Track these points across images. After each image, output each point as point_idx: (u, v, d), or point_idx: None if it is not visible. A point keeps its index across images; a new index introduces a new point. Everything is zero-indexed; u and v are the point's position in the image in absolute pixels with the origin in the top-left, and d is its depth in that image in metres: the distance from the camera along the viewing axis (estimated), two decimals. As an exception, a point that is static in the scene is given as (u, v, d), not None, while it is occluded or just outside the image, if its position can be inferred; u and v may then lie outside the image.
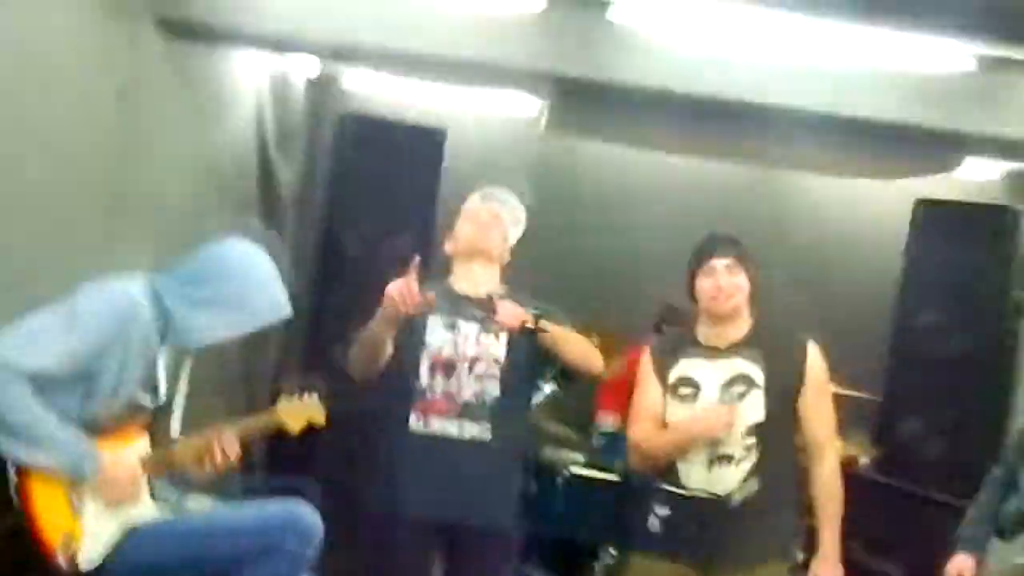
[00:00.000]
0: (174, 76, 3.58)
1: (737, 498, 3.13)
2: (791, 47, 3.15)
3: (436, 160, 4.97)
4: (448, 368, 3.23)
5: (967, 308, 4.78)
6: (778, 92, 3.17)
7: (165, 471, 2.88)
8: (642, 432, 3.26)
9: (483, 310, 3.05)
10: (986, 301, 4.74)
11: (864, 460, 4.91)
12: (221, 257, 2.88)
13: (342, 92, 5.26)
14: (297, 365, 5.03)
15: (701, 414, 3.15)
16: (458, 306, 3.28)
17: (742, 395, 3.15)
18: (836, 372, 4.31)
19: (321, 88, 5.30)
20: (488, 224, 3.34)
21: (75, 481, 2.64)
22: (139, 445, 2.83)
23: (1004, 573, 3.17)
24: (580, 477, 2.99)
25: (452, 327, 3.26)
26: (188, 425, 3.01)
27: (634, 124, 4.50)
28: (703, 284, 3.16)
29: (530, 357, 3.30)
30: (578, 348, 3.24)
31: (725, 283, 3.13)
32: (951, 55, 2.97)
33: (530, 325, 3.07)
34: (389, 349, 3.18)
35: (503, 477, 3.29)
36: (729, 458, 3.13)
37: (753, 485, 3.14)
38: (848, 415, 4.74)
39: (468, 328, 3.26)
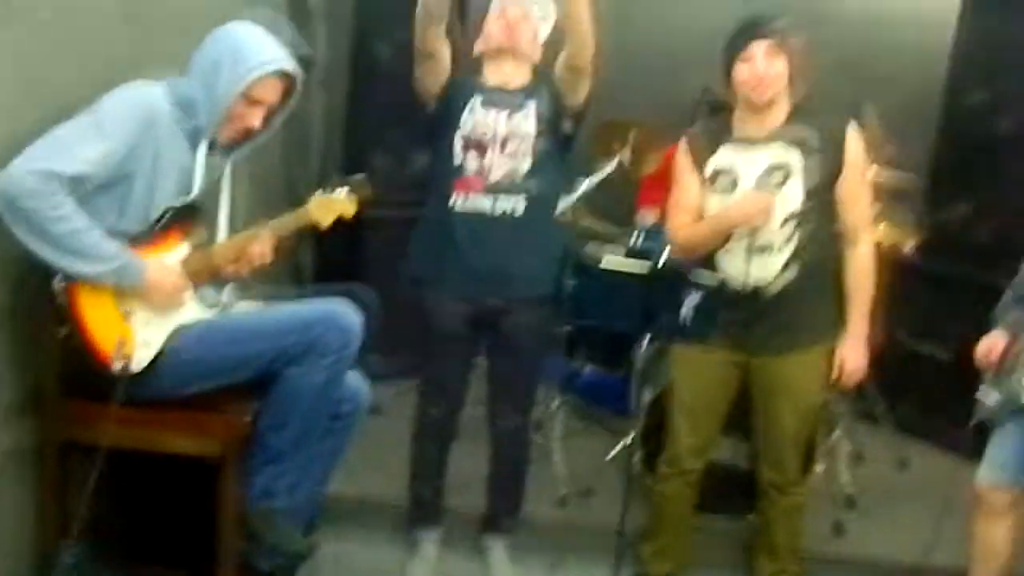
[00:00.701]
0: None
1: (777, 286, 3.17)
2: None
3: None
4: (479, 146, 3.34)
5: (1017, 87, 4.60)
6: None
7: (207, 274, 2.99)
8: (680, 224, 3.30)
9: None
10: (1036, 78, 4.55)
11: (910, 245, 4.87)
12: (214, 38, 2.94)
13: None
14: (338, 176, 5.05)
15: (739, 201, 3.15)
16: (491, 95, 3.37)
17: (780, 183, 3.14)
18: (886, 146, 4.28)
19: None
20: (516, 22, 3.35)
21: (122, 289, 2.75)
22: (181, 250, 2.93)
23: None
24: (612, 271, 3.00)
25: (484, 109, 3.36)
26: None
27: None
28: (740, 71, 3.11)
29: (562, 133, 3.39)
30: (589, 21, 3.22)
31: (763, 70, 3.07)
32: None
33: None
34: (439, 44, 3.30)
35: (539, 249, 3.41)
36: (768, 247, 3.16)
37: (792, 273, 3.18)
38: (894, 199, 4.71)
39: (500, 114, 3.36)
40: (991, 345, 3.26)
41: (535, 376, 3.67)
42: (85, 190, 2.69)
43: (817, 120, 3.19)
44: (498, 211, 3.33)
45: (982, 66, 4.69)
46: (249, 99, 2.91)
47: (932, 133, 4.90)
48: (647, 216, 4.78)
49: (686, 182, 3.30)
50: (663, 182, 4.69)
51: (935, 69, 4.87)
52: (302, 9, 4.83)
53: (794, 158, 3.14)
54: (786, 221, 3.15)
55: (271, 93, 2.96)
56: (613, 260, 3.00)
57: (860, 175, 3.24)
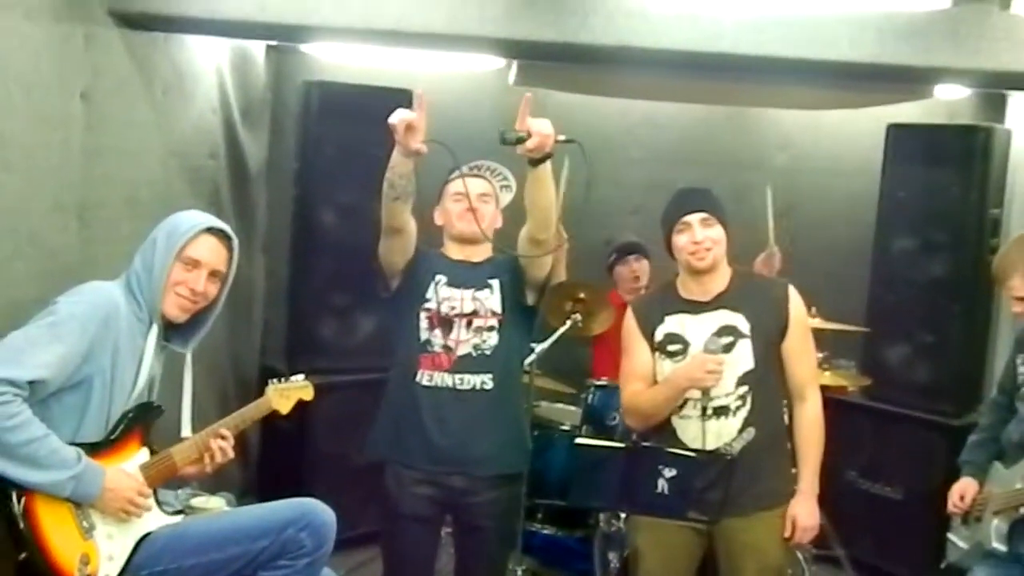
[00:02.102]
0: (134, 68, 3.48)
1: (737, 447, 3.18)
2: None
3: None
4: (446, 323, 3.33)
5: (945, 230, 4.79)
6: (745, 41, 3.14)
7: (167, 477, 2.89)
8: (633, 392, 3.31)
9: (516, 142, 3.02)
10: (963, 222, 4.74)
11: (855, 387, 4.99)
12: (161, 222, 2.94)
13: (304, 59, 5.13)
14: (282, 341, 5.00)
15: (687, 364, 3.19)
16: (455, 272, 3.39)
17: (730, 346, 3.20)
18: (820, 306, 4.44)
19: (283, 57, 5.18)
20: (476, 209, 3.34)
21: (80, 499, 2.63)
22: (139, 456, 2.83)
23: (1005, 496, 3.22)
24: (583, 446, 2.99)
25: (450, 285, 3.37)
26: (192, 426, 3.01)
27: (602, 76, 4.48)
28: (679, 240, 3.22)
29: (525, 307, 3.41)
30: (553, 201, 3.24)
31: (701, 236, 3.17)
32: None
33: (561, 137, 3.08)
34: (405, 219, 3.29)
35: (508, 425, 3.39)
36: (725, 410, 3.19)
37: (750, 434, 3.20)
38: (835, 347, 4.83)
39: (465, 291, 3.36)
40: (961, 490, 3.36)
41: (503, 553, 3.60)
42: (42, 396, 2.59)
43: (759, 284, 3.34)
44: (465, 387, 3.30)
45: (909, 212, 4.88)
46: (186, 261, 2.87)
47: (867, 277, 5.04)
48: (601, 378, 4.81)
49: (636, 350, 3.33)
50: (616, 339, 4.79)
51: (865, 215, 5.03)
52: (243, 175, 4.83)
53: (740, 322, 3.22)
54: (740, 383, 3.20)
55: (208, 253, 2.91)
56: (582, 438, 2.97)
57: (803, 333, 3.31)
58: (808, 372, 3.31)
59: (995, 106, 5.13)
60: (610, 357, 4.74)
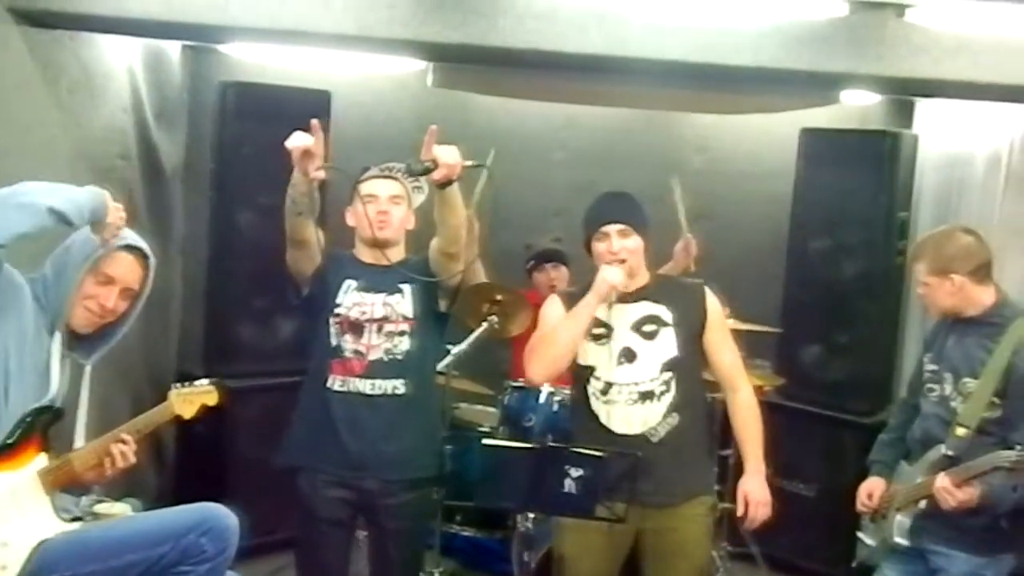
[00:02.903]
0: (38, 66, 3.41)
1: (661, 432, 3.23)
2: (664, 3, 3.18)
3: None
4: (356, 328, 3.32)
5: (855, 232, 4.90)
6: (651, 46, 3.18)
7: (66, 483, 2.84)
8: (540, 333, 3.32)
9: (423, 173, 3.05)
10: (872, 224, 4.85)
11: (770, 387, 5.07)
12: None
13: (222, 59, 5.07)
14: (200, 345, 4.93)
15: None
16: (366, 275, 3.38)
17: (653, 333, 3.28)
18: (735, 308, 4.51)
19: (199, 57, 5.11)
20: (386, 212, 3.35)
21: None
22: (37, 462, 2.78)
23: (906, 491, 3.30)
24: (493, 447, 3.00)
25: (360, 290, 3.36)
26: (94, 425, 2.96)
27: (521, 79, 4.50)
28: (598, 247, 3.28)
29: (437, 312, 3.42)
30: (462, 219, 3.26)
31: (618, 247, 3.23)
32: (823, 3, 3.02)
33: (468, 163, 3.11)
34: (309, 233, 3.31)
35: (421, 429, 3.39)
36: (650, 394, 3.25)
37: (674, 419, 3.26)
38: (751, 347, 4.90)
39: (376, 296, 3.36)
40: (869, 489, 3.45)
41: (418, 555, 3.60)
42: None
43: (677, 283, 3.48)
44: (377, 392, 3.30)
45: (822, 214, 4.98)
46: (99, 276, 2.84)
47: (781, 278, 5.12)
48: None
49: (553, 314, 3.35)
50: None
51: (779, 218, 5.12)
52: (157, 176, 4.76)
53: (663, 311, 3.29)
54: (664, 369, 3.25)
55: (123, 270, 2.88)
56: (489, 439, 2.98)
57: (722, 327, 3.41)
58: (735, 362, 3.40)
59: (904, 112, 5.25)
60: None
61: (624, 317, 3.29)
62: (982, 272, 3.24)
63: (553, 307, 3.39)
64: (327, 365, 3.32)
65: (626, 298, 3.28)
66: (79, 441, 2.91)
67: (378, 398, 3.30)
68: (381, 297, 3.35)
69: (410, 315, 3.35)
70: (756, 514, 3.29)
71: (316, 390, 3.34)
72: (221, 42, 4.29)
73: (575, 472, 2.98)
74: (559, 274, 4.92)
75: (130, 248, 2.89)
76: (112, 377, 4.17)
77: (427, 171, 3.02)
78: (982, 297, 3.23)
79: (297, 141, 3.09)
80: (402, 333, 3.33)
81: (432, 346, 3.46)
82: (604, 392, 3.26)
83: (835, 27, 3.17)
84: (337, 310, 3.33)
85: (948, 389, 3.27)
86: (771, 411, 4.99)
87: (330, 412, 3.30)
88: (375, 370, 3.30)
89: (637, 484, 3.12)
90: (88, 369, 2.95)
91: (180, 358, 5.15)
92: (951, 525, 3.16)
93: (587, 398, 3.29)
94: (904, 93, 4.35)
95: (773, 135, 5.36)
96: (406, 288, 3.37)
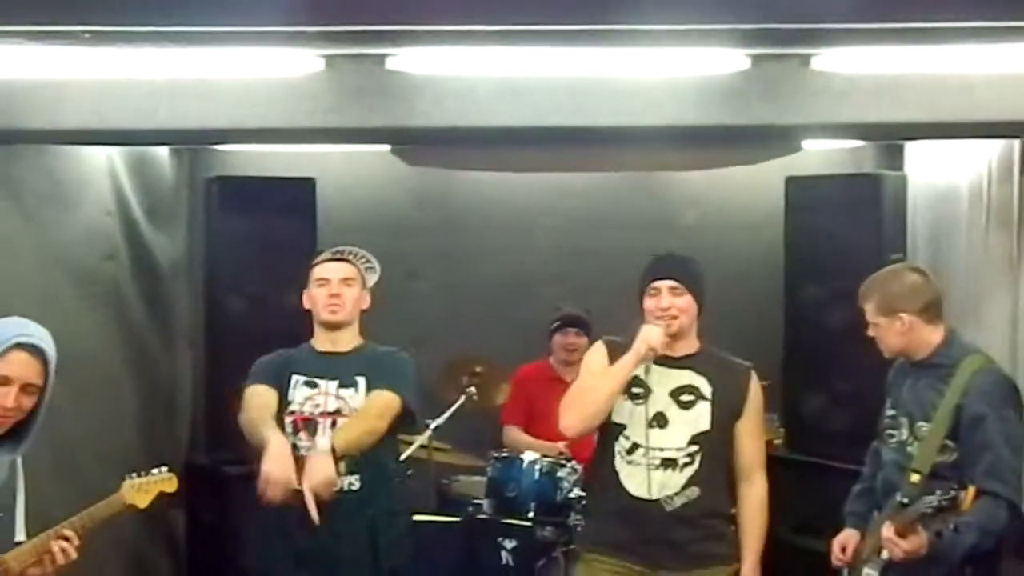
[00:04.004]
0: (4, 181, 3.60)
1: (678, 502, 3.22)
2: (578, 69, 3.21)
3: (310, 209, 5.00)
4: (310, 425, 3.35)
5: (848, 277, 4.77)
6: (567, 112, 3.22)
7: (5, 582, 2.90)
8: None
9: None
10: (866, 267, 4.69)
11: (777, 442, 4.97)
12: None
13: (214, 154, 5.27)
14: (203, 435, 5.06)
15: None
16: (318, 364, 3.43)
17: (690, 404, 3.28)
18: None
19: (194, 154, 5.32)
20: (338, 295, 3.40)
21: None
22: (-27, 566, 2.84)
23: (870, 543, 3.21)
24: (427, 523, 3.00)
25: (312, 385, 3.40)
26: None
27: (490, 153, 4.58)
28: (648, 303, 3.29)
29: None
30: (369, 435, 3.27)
31: (667, 304, 3.23)
32: (725, 58, 3.02)
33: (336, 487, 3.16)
34: None
35: (375, 525, 3.34)
36: (673, 463, 3.24)
37: (694, 492, 3.25)
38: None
39: (327, 385, 3.39)
40: (843, 543, 3.38)
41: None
42: None
43: (724, 360, 3.39)
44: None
45: (813, 261, 4.90)
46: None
47: (779, 329, 5.04)
48: (516, 435, 4.82)
49: (595, 364, 3.34)
50: (519, 403, 4.82)
51: (773, 268, 5.06)
52: (151, 272, 4.92)
53: (703, 384, 3.29)
54: (692, 442, 3.24)
55: (17, 369, 2.78)
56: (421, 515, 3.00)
57: (758, 417, 3.39)
58: (758, 455, 3.38)
59: (894, 153, 5.16)
60: (518, 414, 4.81)
61: (665, 381, 3.29)
62: (932, 311, 3.17)
63: (596, 356, 3.38)
64: None
65: (670, 363, 3.29)
66: (19, 533, 2.97)
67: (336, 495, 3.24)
68: (334, 386, 3.36)
69: None
70: None
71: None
72: (154, 144, 4.47)
73: (509, 544, 2.98)
74: (580, 341, 4.85)
75: (21, 346, 2.92)
76: (110, 472, 4.29)
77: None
78: (931, 337, 3.16)
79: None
80: None
81: (388, 440, 3.41)
82: (629, 452, 3.27)
83: (748, 79, 3.17)
84: (290, 408, 3.36)
85: (905, 434, 3.20)
86: (780, 465, 4.95)
87: (283, 513, 3.26)
88: None
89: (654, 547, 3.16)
90: (19, 463, 3.00)
91: (190, 449, 5.27)
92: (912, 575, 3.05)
93: (613, 456, 3.29)
94: (837, 137, 4.29)
95: (762, 185, 5.32)
96: (361, 381, 3.37)
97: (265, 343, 4.63)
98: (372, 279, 3.56)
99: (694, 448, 3.23)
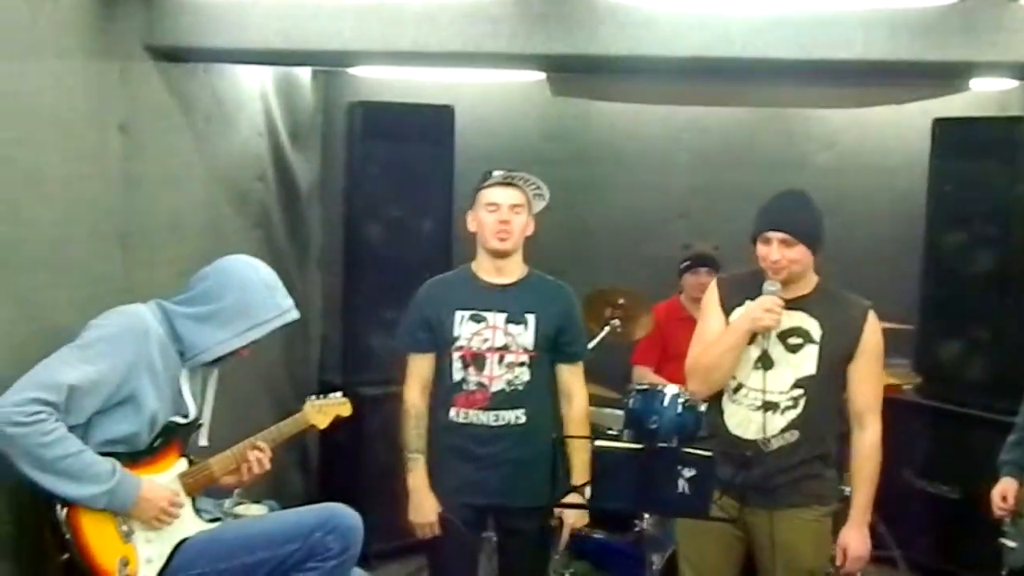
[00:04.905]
0: (173, 99, 3.65)
1: (774, 445, 3.21)
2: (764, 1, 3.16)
3: (448, 138, 5.01)
4: (478, 360, 3.39)
5: (993, 223, 4.72)
6: (755, 44, 3.17)
7: (206, 486, 3.03)
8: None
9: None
10: (1012, 213, 4.66)
11: (909, 385, 4.94)
12: (219, 272, 3.03)
13: (352, 79, 5.29)
14: (337, 357, 5.15)
15: (748, 307, 3.21)
16: (484, 296, 3.43)
17: (798, 347, 3.23)
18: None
19: (330, 79, 5.35)
20: (508, 222, 3.37)
21: (115, 511, 2.78)
22: (178, 466, 2.98)
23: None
24: (605, 449, 3.04)
25: (479, 319, 3.41)
26: (240, 432, 3.16)
27: (637, 84, 4.53)
28: (761, 250, 3.23)
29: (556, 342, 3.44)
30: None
31: (777, 256, 3.18)
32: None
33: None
34: None
35: (540, 458, 3.40)
36: (775, 406, 3.22)
37: (792, 436, 3.22)
38: (888, 346, 4.77)
39: (495, 318, 3.40)
40: (1003, 491, 3.35)
41: (545, 556, 3.69)
42: (85, 415, 2.75)
43: (841, 300, 3.29)
44: (502, 422, 3.38)
45: (957, 206, 4.82)
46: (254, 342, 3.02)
47: (917, 274, 4.98)
48: (642, 373, 4.84)
49: (710, 317, 3.35)
50: (655, 342, 4.82)
51: (912, 212, 4.98)
52: (293, 195, 5.00)
53: (814, 327, 3.22)
54: (796, 386, 3.21)
55: (269, 337, 3.06)
56: (601, 441, 3.03)
57: (873, 359, 3.27)
58: (870, 399, 3.26)
59: (1042, 97, 5.03)
60: (652, 353, 4.82)
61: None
62: None
63: (712, 310, 3.35)
64: (450, 399, 3.40)
65: (784, 303, 3.22)
66: (203, 439, 3.10)
67: (500, 428, 3.37)
68: (502, 320, 3.38)
69: (531, 345, 3.38)
70: (852, 568, 3.26)
71: (440, 423, 3.44)
72: (337, 66, 4.50)
73: (687, 472, 2.98)
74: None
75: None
76: (256, 386, 4.42)
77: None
78: None
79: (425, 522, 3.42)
80: (523, 364, 3.38)
81: (550, 374, 3.47)
82: (735, 391, 3.26)
83: (946, 14, 3.08)
84: (457, 343, 3.38)
85: None
86: (910, 411, 4.94)
87: (454, 444, 3.41)
88: (497, 402, 3.37)
89: (746, 485, 3.13)
90: (214, 376, 3.13)
91: (321, 368, 5.38)
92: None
93: (721, 394, 3.29)
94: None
95: (903, 127, 5.22)
96: (531, 319, 3.39)
97: (401, 268, 4.76)
98: (540, 205, 3.48)
99: (798, 392, 3.19)
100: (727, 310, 3.31)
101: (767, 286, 3.19)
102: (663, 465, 2.99)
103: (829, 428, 3.29)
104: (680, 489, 2.99)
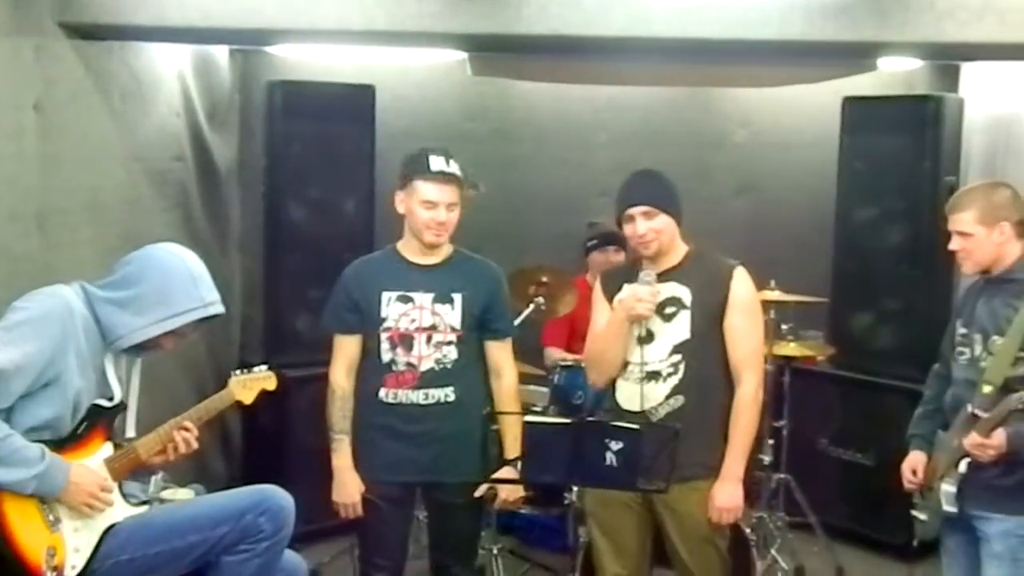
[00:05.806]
0: (89, 77, 3.57)
1: (662, 412, 3.30)
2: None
3: (369, 117, 4.99)
4: (406, 340, 3.39)
5: (902, 198, 4.89)
6: (675, 24, 3.24)
7: (132, 469, 3.00)
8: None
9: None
10: (919, 189, 4.83)
11: (822, 356, 5.09)
12: (143, 258, 2.98)
13: (270, 59, 5.22)
14: (260, 338, 5.11)
15: (621, 298, 3.32)
16: (411, 277, 3.42)
17: (672, 315, 3.33)
18: (784, 280, 4.55)
19: (248, 58, 5.27)
20: (444, 223, 3.35)
21: (45, 496, 2.73)
22: (104, 451, 2.94)
23: (945, 458, 3.29)
24: (535, 424, 3.09)
25: (406, 300, 3.41)
26: (161, 415, 3.12)
27: (558, 64, 4.57)
28: (627, 229, 3.34)
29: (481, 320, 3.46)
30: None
31: (643, 229, 3.28)
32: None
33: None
34: None
35: (470, 434, 3.38)
36: (656, 375, 3.31)
37: (678, 401, 3.30)
38: (802, 318, 4.94)
39: (422, 299, 3.41)
40: (912, 465, 3.40)
41: (476, 531, 3.73)
42: (11, 399, 2.69)
43: (710, 263, 3.38)
44: (431, 401, 3.40)
45: (867, 182, 4.98)
46: (175, 334, 2.99)
47: (829, 248, 5.13)
48: (552, 354, 4.91)
49: (598, 311, 3.48)
50: (563, 322, 4.88)
51: (824, 188, 5.12)
52: (212, 175, 4.93)
53: (685, 294, 3.32)
54: (674, 351, 3.30)
55: (193, 328, 3.03)
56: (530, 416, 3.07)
57: (745, 313, 3.34)
58: (745, 354, 3.33)
59: (950, 75, 5.20)
60: (560, 333, 4.88)
61: None
62: (1021, 226, 3.22)
63: (600, 305, 3.45)
64: (379, 379, 3.40)
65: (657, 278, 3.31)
66: (130, 430, 3.06)
67: (429, 407, 3.39)
68: (429, 300, 3.38)
69: (459, 324, 3.40)
70: (719, 520, 3.32)
71: (369, 404, 3.44)
72: (258, 45, 4.44)
73: (615, 445, 3.04)
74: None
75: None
76: (177, 369, 4.36)
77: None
78: (1014, 252, 3.22)
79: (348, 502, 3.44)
80: (450, 343, 3.39)
81: (480, 351, 3.50)
82: (624, 369, 3.34)
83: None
84: (385, 324, 3.38)
85: (978, 350, 3.21)
86: (825, 381, 5.10)
87: (384, 424, 3.42)
88: (426, 380, 3.38)
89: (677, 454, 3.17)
90: (138, 364, 3.09)
91: (243, 349, 5.33)
92: (985, 487, 3.14)
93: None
94: (932, 58, 4.32)
95: (815, 105, 5.34)
96: (457, 298, 3.40)
97: (323, 248, 4.73)
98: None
99: (676, 358, 3.28)
100: (609, 299, 3.42)
101: (642, 276, 3.29)
102: (591, 439, 3.04)
103: (716, 390, 3.34)
104: (608, 462, 3.05)
